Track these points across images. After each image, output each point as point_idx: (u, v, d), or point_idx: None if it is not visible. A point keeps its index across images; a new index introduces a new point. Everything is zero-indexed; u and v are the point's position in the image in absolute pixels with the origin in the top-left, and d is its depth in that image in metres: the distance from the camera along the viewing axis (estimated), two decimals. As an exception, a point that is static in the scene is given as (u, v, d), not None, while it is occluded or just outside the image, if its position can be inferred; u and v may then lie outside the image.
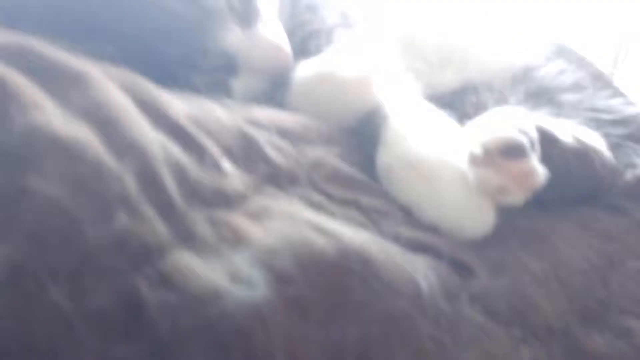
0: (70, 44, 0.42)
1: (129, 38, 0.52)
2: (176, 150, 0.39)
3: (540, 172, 0.46)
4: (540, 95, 0.71)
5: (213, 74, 0.57)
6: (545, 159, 0.47)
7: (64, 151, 0.34)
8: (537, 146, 0.48)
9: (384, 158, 0.50)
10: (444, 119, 0.54)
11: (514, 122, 0.48)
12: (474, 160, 0.46)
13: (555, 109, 0.67)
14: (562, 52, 0.84)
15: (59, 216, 0.31)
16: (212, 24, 0.56)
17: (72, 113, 0.37)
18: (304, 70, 0.57)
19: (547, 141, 0.50)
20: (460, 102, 0.72)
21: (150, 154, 0.37)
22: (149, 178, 0.36)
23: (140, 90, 0.42)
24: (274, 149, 0.45)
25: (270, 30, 0.62)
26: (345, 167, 0.48)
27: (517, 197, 0.46)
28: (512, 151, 0.45)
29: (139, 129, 0.38)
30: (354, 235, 0.37)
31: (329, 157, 0.48)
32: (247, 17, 0.59)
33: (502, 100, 0.70)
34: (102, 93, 0.39)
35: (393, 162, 0.50)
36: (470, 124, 0.51)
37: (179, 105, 0.43)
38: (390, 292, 0.35)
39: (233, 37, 0.57)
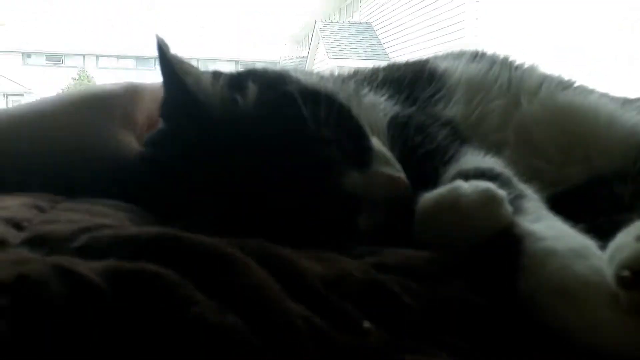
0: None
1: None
2: (318, 320, 0.40)
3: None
4: None
5: (339, 216, 0.60)
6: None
7: (217, 340, 0.37)
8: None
9: (524, 285, 0.49)
10: (578, 234, 0.52)
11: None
12: (623, 283, 0.43)
13: None
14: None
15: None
16: (329, 175, 0.59)
17: (220, 302, 0.40)
18: (426, 202, 0.58)
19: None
20: (591, 197, 0.69)
21: (295, 330, 0.39)
22: (296, 354, 0.38)
23: (277, 260, 0.45)
24: (404, 291, 0.46)
25: (384, 164, 0.64)
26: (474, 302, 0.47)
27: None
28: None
29: (282, 306, 0.40)
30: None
31: (457, 292, 0.48)
32: (360, 157, 0.63)
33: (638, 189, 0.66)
34: (245, 275, 0.42)
35: (535, 289, 0.48)
36: (613, 243, 0.48)
37: (314, 268, 0.46)
38: None
39: (351, 181, 0.60)
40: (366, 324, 0.42)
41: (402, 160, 0.69)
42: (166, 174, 0.60)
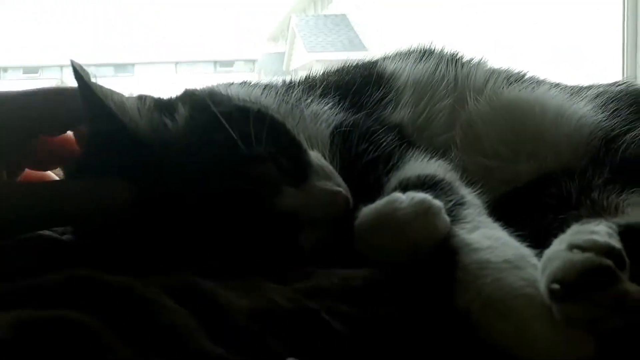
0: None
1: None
2: (238, 360, 0.39)
3: (634, 290, 0.41)
4: (629, 173, 0.65)
5: (278, 236, 0.58)
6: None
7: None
8: (627, 260, 0.43)
9: (460, 300, 0.47)
10: (514, 242, 0.51)
11: (594, 241, 0.43)
12: (554, 296, 0.41)
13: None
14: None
15: None
16: (263, 193, 0.57)
17: (136, 346, 0.38)
18: (364, 216, 0.56)
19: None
20: (540, 195, 0.67)
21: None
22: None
23: (199, 297, 0.44)
24: (337, 321, 0.44)
25: (324, 178, 0.62)
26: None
27: (610, 324, 0.41)
28: (593, 277, 0.40)
29: (198, 348, 0.39)
30: None
31: (394, 312, 0.46)
32: (297, 173, 0.61)
33: (587, 187, 0.65)
34: (162, 316, 0.41)
35: (471, 303, 0.46)
36: (548, 250, 0.46)
37: (240, 302, 0.44)
38: None
39: (288, 198, 0.58)
40: None
41: (346, 171, 0.67)
42: None
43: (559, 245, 0.45)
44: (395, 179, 0.65)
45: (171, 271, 0.48)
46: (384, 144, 0.71)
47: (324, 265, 0.54)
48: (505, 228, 0.54)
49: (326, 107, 0.77)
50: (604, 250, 0.42)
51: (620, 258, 0.43)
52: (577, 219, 0.59)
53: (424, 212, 0.53)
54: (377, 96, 0.82)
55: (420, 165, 0.66)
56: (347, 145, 0.71)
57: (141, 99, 0.62)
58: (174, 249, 0.54)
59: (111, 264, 0.47)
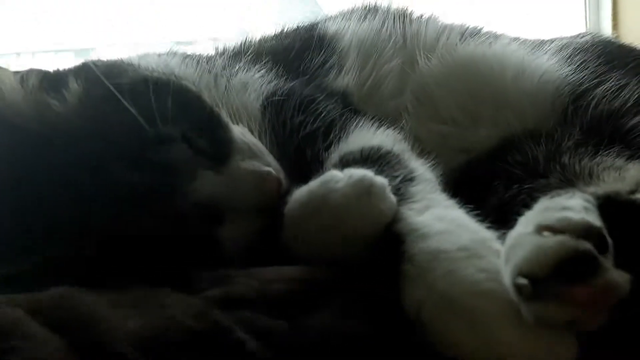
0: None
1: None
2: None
3: (621, 280, 0.32)
4: (602, 129, 0.57)
5: (196, 231, 0.48)
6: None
7: None
8: (609, 241, 0.34)
9: (408, 299, 0.38)
10: (471, 222, 0.42)
11: (568, 218, 0.35)
12: (523, 292, 0.33)
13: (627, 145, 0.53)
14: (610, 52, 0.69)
15: None
16: (178, 179, 0.47)
17: None
18: (294, 202, 0.47)
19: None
20: (502, 164, 0.59)
21: None
22: None
23: (78, 322, 0.34)
24: (252, 340, 0.35)
25: (250, 157, 0.53)
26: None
27: (593, 324, 0.32)
28: (572, 269, 0.32)
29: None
30: None
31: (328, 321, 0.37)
32: (216, 153, 0.51)
33: (556, 151, 0.56)
34: (32, 350, 0.31)
35: (421, 302, 0.37)
36: (513, 232, 0.38)
37: (126, 325, 0.34)
38: None
39: (205, 184, 0.48)
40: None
41: (280, 148, 0.58)
42: None
43: (525, 226, 0.37)
44: (336, 154, 0.55)
45: (47, 281, 0.38)
46: (324, 113, 0.61)
47: (246, 265, 0.44)
48: (463, 206, 0.46)
49: (257, 75, 0.66)
50: (581, 230, 0.34)
51: (601, 238, 0.34)
52: (546, 188, 0.51)
53: (364, 192, 0.44)
54: (319, 61, 0.72)
55: (365, 136, 0.57)
56: (281, 118, 0.61)
57: (24, 76, 0.51)
58: (59, 250, 0.44)
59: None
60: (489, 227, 0.42)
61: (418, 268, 0.38)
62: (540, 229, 0.35)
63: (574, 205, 0.38)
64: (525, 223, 0.37)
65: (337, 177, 0.45)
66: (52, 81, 0.52)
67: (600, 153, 0.53)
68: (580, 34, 0.76)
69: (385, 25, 0.74)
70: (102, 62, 0.60)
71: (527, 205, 0.42)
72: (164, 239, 0.46)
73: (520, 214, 0.41)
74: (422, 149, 0.58)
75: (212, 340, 0.35)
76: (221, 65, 0.67)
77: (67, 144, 0.47)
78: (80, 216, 0.45)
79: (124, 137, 0.48)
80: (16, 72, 0.52)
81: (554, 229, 0.34)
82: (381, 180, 0.45)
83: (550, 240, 0.33)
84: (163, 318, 0.35)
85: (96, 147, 0.47)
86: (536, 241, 0.34)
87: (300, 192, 0.47)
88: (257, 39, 0.81)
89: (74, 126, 0.49)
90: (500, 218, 0.43)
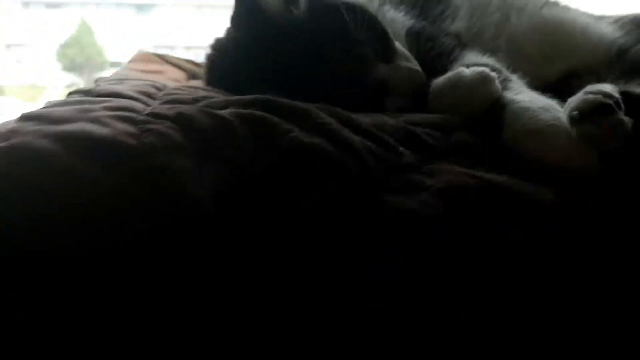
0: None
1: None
2: (370, 144, 0.62)
3: (627, 120, 0.63)
4: (633, 72, 0.87)
5: (372, 97, 0.81)
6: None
7: (309, 154, 0.59)
8: (622, 104, 0.65)
9: (508, 133, 0.70)
10: (547, 99, 0.73)
11: (602, 90, 0.66)
12: (573, 120, 0.64)
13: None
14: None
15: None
16: (365, 66, 0.80)
17: (307, 132, 0.61)
18: (437, 84, 0.79)
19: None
20: (565, 86, 0.89)
21: (358, 148, 0.60)
22: (360, 164, 0.59)
23: (340, 114, 0.66)
24: (428, 137, 0.67)
25: (405, 60, 0.85)
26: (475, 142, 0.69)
27: (609, 145, 0.63)
28: (600, 110, 0.63)
29: (348, 135, 0.61)
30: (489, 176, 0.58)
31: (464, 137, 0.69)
32: (386, 54, 0.83)
33: (602, 81, 0.87)
34: (320, 117, 0.63)
35: (515, 134, 0.69)
36: (571, 97, 0.69)
37: (365, 119, 0.67)
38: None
39: (380, 71, 0.81)
40: (401, 149, 0.64)
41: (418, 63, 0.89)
42: (234, 69, 0.81)
43: (578, 94, 0.68)
44: (457, 65, 0.87)
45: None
46: (446, 43, 0.93)
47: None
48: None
49: (400, 15, 0.98)
50: (608, 95, 0.65)
51: (618, 102, 0.65)
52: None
53: (483, 79, 0.75)
54: (438, 10, 1.03)
55: (477, 57, 0.88)
56: (417, 44, 0.93)
57: None
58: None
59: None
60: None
61: (515, 115, 0.70)
62: (586, 93, 0.66)
63: (606, 86, 0.69)
64: (579, 93, 0.68)
65: (465, 71, 0.77)
66: None
67: (628, 81, 0.83)
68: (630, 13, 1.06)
69: None
70: None
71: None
72: (355, 104, 0.78)
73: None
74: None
75: (407, 133, 0.67)
76: (377, 5, 0.99)
77: (303, 33, 0.80)
78: (304, 88, 0.71)
79: (338, 34, 0.80)
80: None
81: (593, 93, 0.65)
82: (493, 74, 0.76)
83: (591, 96, 0.65)
84: (381, 120, 0.68)
85: (320, 37, 0.80)
86: (584, 97, 0.65)
87: (441, 79, 0.79)
88: None
89: (306, 23, 0.81)
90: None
